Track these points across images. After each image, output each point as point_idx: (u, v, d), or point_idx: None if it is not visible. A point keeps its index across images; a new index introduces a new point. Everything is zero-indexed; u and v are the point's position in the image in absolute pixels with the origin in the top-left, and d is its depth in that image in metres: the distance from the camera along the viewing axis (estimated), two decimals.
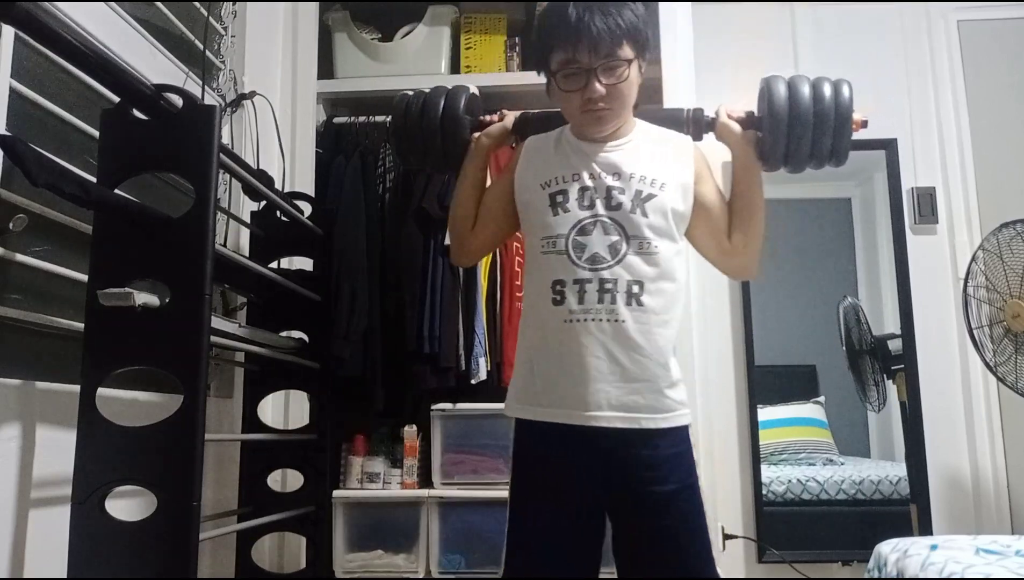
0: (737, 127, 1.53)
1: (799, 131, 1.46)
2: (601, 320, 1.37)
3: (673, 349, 1.44)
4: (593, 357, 1.36)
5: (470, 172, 1.59)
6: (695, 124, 1.57)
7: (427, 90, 1.62)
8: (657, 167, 1.46)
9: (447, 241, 2.45)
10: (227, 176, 2.05)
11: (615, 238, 1.41)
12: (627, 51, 1.40)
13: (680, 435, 1.42)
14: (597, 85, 1.38)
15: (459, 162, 1.60)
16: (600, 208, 1.42)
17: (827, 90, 1.48)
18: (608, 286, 1.37)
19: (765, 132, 1.49)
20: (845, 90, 1.49)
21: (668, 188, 1.44)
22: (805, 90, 1.48)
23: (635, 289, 1.38)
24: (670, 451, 1.39)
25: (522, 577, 1.40)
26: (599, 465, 1.38)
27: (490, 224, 1.57)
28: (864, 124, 1.51)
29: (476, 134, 1.61)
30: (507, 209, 1.54)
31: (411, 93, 1.63)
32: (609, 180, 1.44)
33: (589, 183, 1.44)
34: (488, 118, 1.64)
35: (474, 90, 1.67)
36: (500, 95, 2.73)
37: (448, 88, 1.63)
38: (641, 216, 1.42)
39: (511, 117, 1.61)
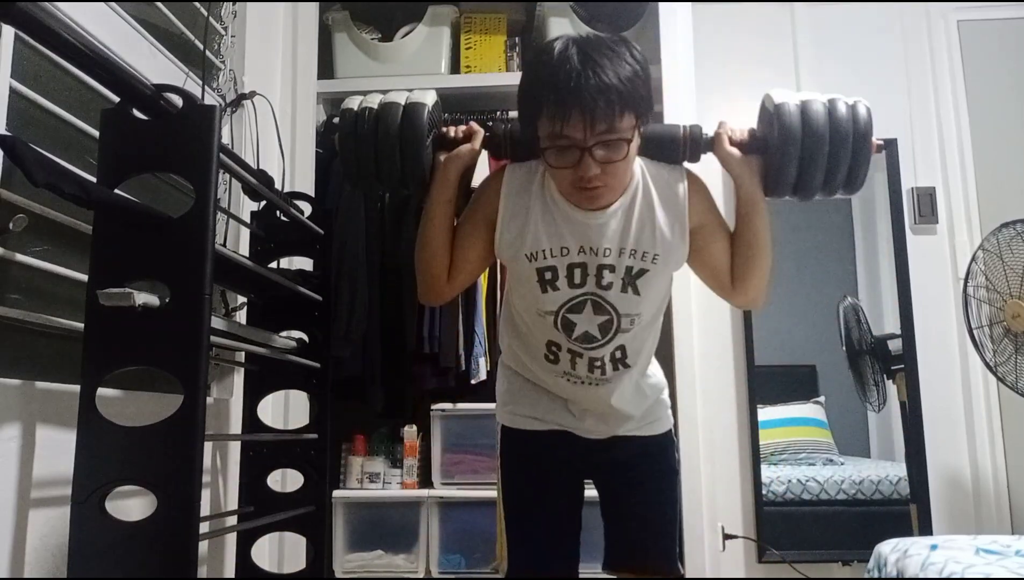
0: (739, 154, 1.36)
1: (812, 156, 1.30)
2: (591, 384, 1.43)
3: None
4: (581, 408, 1.47)
5: (439, 208, 1.38)
6: (692, 144, 1.38)
7: (377, 101, 1.38)
8: (650, 235, 1.33)
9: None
10: (227, 176, 2.05)
11: (606, 317, 1.36)
12: (627, 123, 1.20)
13: (657, 439, 1.53)
14: (592, 165, 1.21)
15: (419, 183, 1.39)
16: (591, 285, 1.35)
17: (843, 110, 1.32)
18: (597, 363, 1.41)
19: (773, 157, 1.33)
20: (863, 110, 1.32)
21: (662, 258, 1.35)
22: (819, 109, 1.30)
23: (618, 354, 1.41)
24: (646, 447, 1.52)
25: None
26: (580, 458, 1.50)
27: (465, 269, 1.42)
28: (880, 148, 1.38)
29: (441, 156, 1.39)
30: (485, 256, 1.42)
31: (358, 105, 1.39)
32: (600, 257, 1.33)
33: (578, 258, 1.34)
34: (452, 132, 1.41)
35: (434, 98, 1.41)
36: (500, 95, 2.74)
37: (406, 97, 1.39)
38: (632, 294, 1.35)
39: (479, 136, 1.40)
